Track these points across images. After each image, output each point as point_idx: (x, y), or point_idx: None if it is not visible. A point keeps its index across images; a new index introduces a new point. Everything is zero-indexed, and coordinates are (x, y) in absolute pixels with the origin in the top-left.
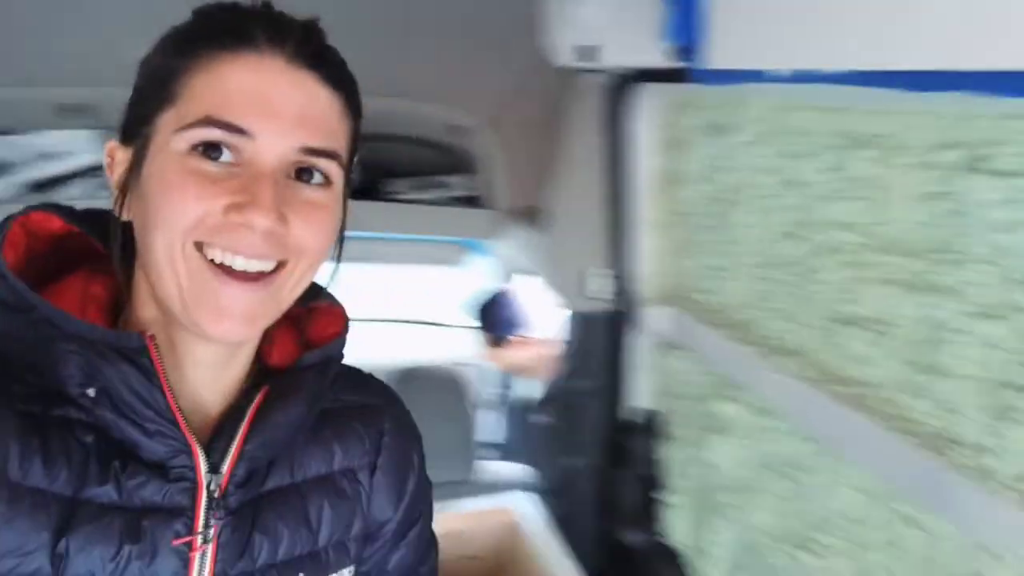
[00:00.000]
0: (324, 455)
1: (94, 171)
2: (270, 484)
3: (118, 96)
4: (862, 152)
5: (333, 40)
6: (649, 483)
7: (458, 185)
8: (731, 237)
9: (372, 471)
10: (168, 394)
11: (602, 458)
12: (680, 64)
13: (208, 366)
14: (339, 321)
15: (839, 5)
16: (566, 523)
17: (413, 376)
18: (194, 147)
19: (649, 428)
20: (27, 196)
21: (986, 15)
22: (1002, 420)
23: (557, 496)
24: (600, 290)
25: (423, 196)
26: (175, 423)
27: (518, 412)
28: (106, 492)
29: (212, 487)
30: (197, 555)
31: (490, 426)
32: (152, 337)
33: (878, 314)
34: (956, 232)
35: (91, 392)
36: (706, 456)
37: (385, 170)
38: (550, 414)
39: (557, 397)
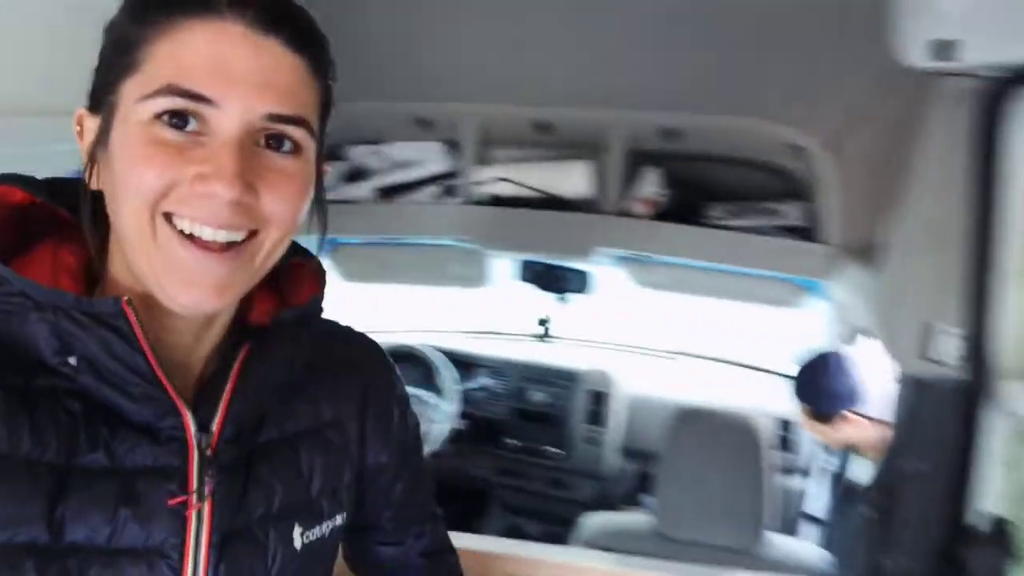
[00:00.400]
0: (312, 409)
1: (439, 179)
2: (260, 439)
3: (467, 111)
4: None
5: (646, 54)
6: None
7: (788, 214)
8: None
9: (361, 421)
10: (150, 357)
11: (931, 567)
12: None
13: (186, 331)
14: (316, 278)
15: None
16: None
17: (700, 417)
18: (158, 116)
19: (999, 541)
20: (379, 199)
21: None
22: None
23: None
24: (947, 352)
25: (747, 223)
26: (160, 386)
27: (838, 492)
28: (97, 458)
29: (203, 446)
30: (193, 513)
31: (813, 498)
32: (129, 301)
33: None
34: None
35: (72, 360)
36: None
37: (707, 193)
38: (872, 502)
39: (881, 482)
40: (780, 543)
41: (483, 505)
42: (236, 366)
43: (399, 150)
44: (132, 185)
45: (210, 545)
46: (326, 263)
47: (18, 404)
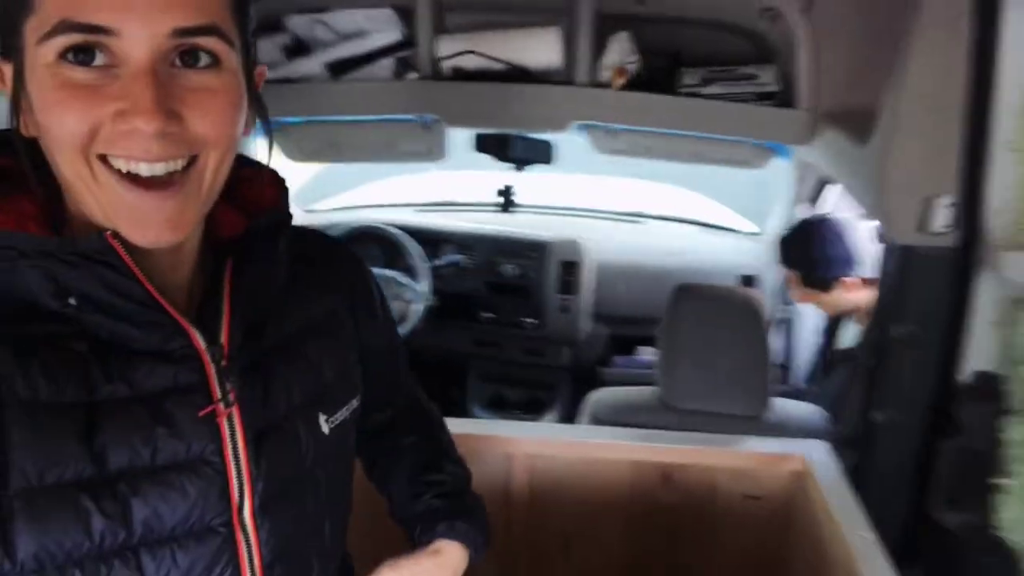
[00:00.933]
0: (305, 307)
1: (393, 50)
2: (267, 342)
3: None
4: None
5: None
6: (981, 460)
7: (763, 79)
8: None
9: (352, 312)
10: (146, 284)
11: (923, 420)
12: None
13: (161, 254)
14: (274, 183)
15: None
16: (861, 482)
17: (700, 292)
18: (61, 55)
19: (989, 395)
20: (328, 77)
21: None
22: None
23: (855, 451)
24: (942, 222)
25: (724, 91)
26: (161, 309)
27: (827, 356)
28: (118, 389)
29: (216, 358)
30: (224, 420)
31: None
32: (114, 234)
33: None
34: None
35: (72, 301)
36: None
37: (679, 59)
38: (864, 362)
39: (874, 341)
40: (782, 406)
41: (463, 377)
42: (226, 279)
43: (346, 19)
44: (55, 134)
45: (246, 444)
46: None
47: (25, 353)
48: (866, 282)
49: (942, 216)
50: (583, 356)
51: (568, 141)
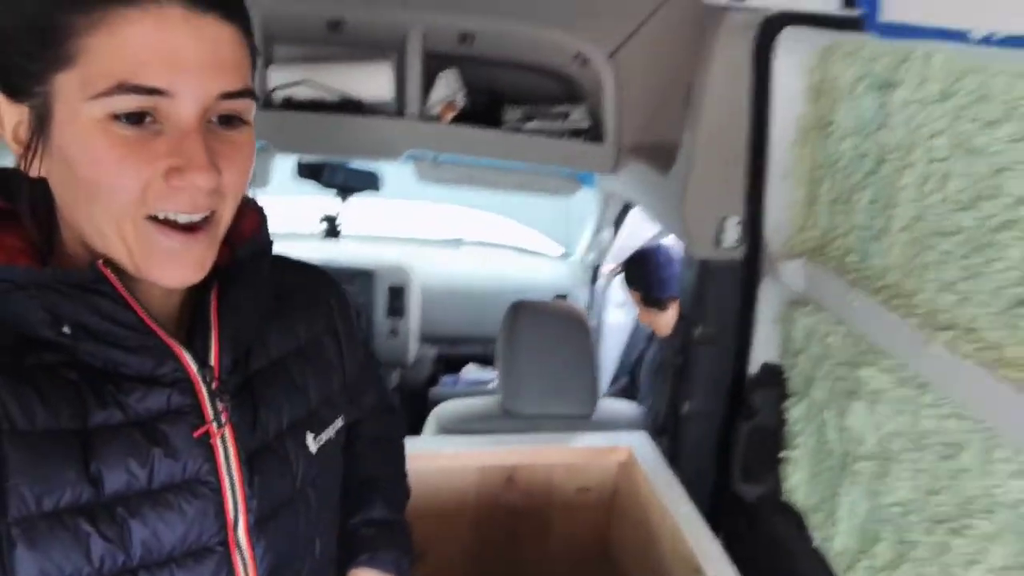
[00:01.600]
0: (290, 331)
1: None
2: (254, 366)
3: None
4: None
5: None
6: (770, 438)
7: (576, 116)
8: (889, 198)
9: (334, 334)
10: (138, 310)
11: (722, 407)
12: (850, 12)
13: (153, 284)
14: (254, 215)
15: None
16: (673, 465)
17: (534, 308)
18: (113, 116)
19: (773, 382)
20: None
21: None
22: None
23: (668, 440)
24: (732, 239)
25: (542, 126)
26: (152, 334)
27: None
28: (112, 414)
29: (207, 379)
30: (218, 440)
31: None
32: (105, 262)
33: None
34: None
35: (67, 329)
36: (840, 421)
37: (503, 97)
38: (671, 361)
39: (680, 343)
40: (608, 405)
41: None
42: (213, 303)
43: None
44: (105, 189)
45: (239, 463)
46: None
47: (20, 381)
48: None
49: (732, 234)
50: (411, 377)
51: (392, 169)
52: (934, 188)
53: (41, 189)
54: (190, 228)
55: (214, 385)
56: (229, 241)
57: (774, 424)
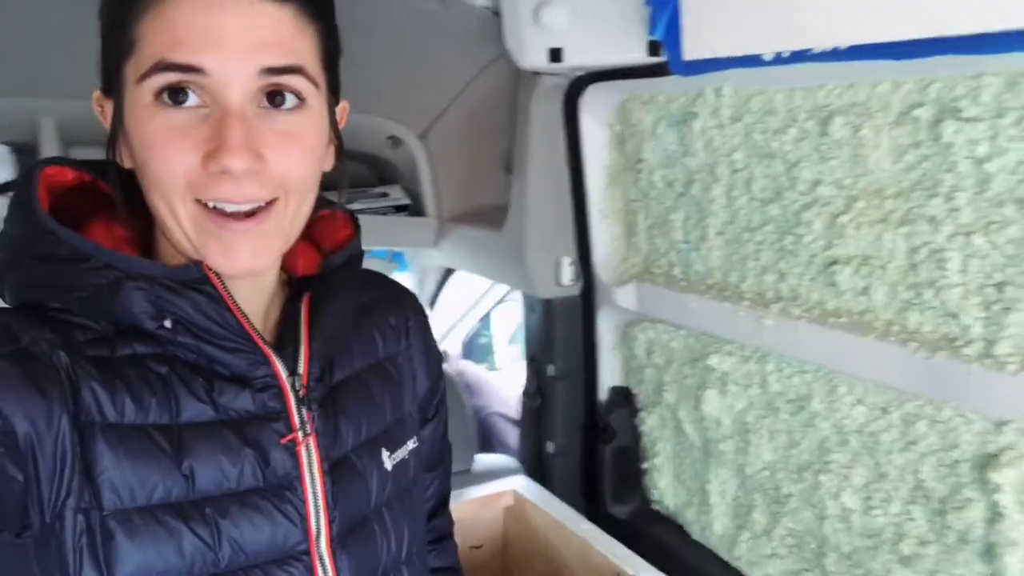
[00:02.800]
0: (370, 345)
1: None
2: (337, 377)
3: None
4: (839, 119)
5: None
6: (630, 455)
7: (394, 195)
8: (703, 212)
9: (409, 354)
10: (237, 314)
11: (582, 438)
12: (653, 59)
13: (244, 286)
14: (349, 224)
15: None
16: None
17: None
18: (157, 95)
19: (624, 402)
20: None
21: None
22: (998, 311)
23: (541, 481)
24: (569, 277)
25: (366, 206)
26: (249, 338)
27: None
28: (203, 410)
29: (296, 387)
30: (303, 448)
31: None
32: (207, 266)
33: (870, 251)
34: (936, 171)
35: (168, 323)
36: (696, 413)
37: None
38: (528, 406)
39: (534, 386)
40: (484, 459)
41: None
42: (304, 312)
43: None
44: (154, 176)
45: (323, 473)
46: None
47: (111, 373)
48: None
49: (568, 272)
50: None
51: None
52: (740, 193)
53: (134, 185)
54: (242, 217)
55: (302, 393)
56: (320, 247)
57: (631, 441)
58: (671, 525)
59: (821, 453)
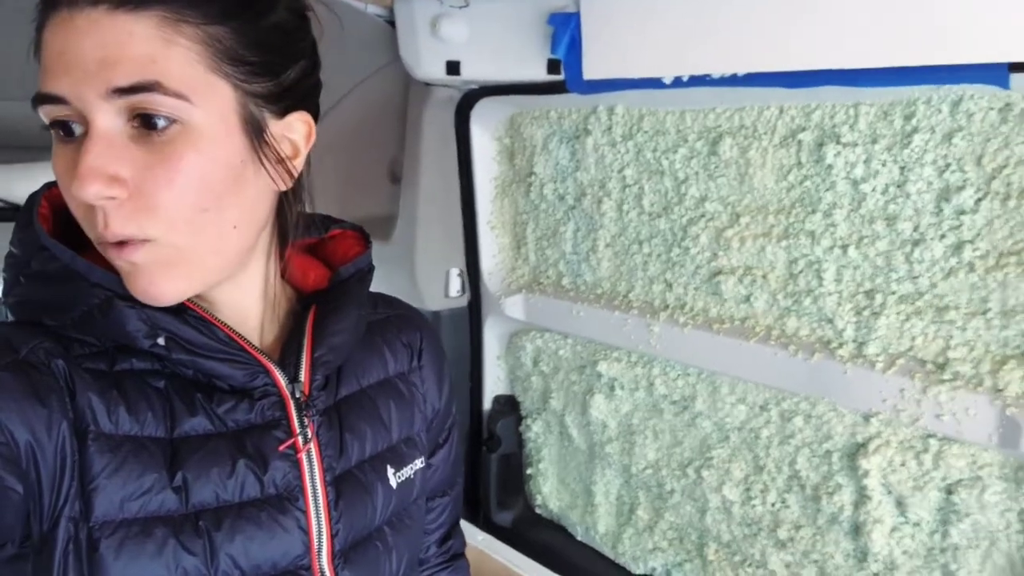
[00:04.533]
0: (379, 362)
1: None
2: (343, 392)
3: None
4: (726, 140)
5: None
6: (514, 461)
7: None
8: (593, 224)
9: (420, 374)
10: (224, 328)
11: (468, 446)
12: (551, 77)
13: (224, 303)
14: (360, 241)
15: (706, 21)
16: None
17: None
18: (53, 129)
19: (509, 410)
20: None
21: (834, 26)
22: (868, 316)
23: None
24: (457, 288)
25: None
26: (243, 349)
27: None
28: (200, 423)
29: (297, 395)
30: (304, 456)
31: None
32: None
33: (753, 262)
34: (817, 190)
35: (161, 341)
36: (582, 418)
37: None
38: None
39: None
40: None
41: None
42: (309, 322)
43: None
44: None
45: (325, 484)
46: None
47: (109, 385)
48: None
49: (456, 284)
50: None
51: None
52: (631, 207)
53: None
54: (122, 245)
55: (302, 400)
56: (331, 264)
57: (515, 448)
58: (555, 528)
59: (703, 450)
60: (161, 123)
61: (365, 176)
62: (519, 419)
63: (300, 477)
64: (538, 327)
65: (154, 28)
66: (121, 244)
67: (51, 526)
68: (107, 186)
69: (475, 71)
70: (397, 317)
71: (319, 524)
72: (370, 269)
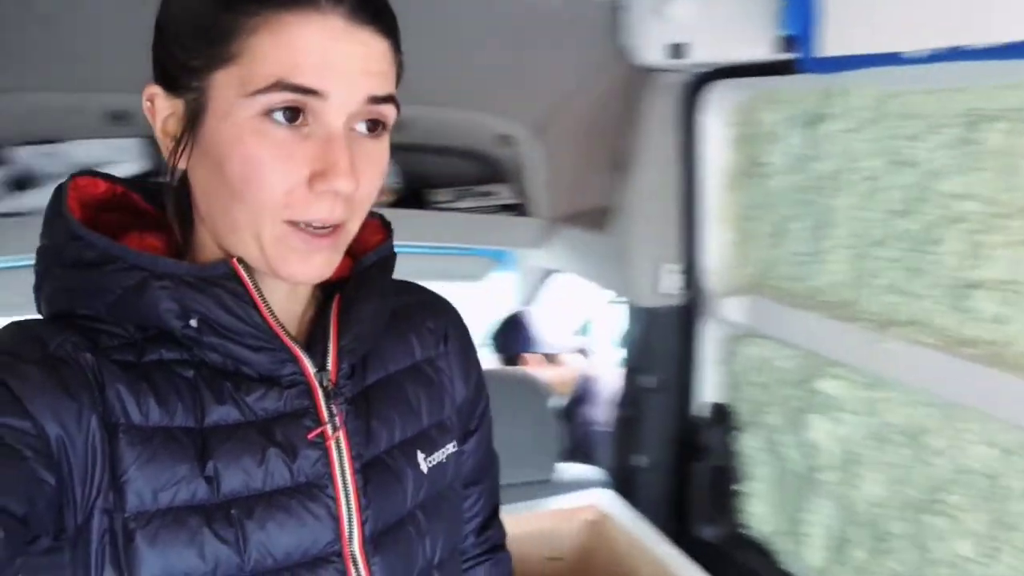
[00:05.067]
0: (406, 348)
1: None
2: (370, 378)
3: None
4: (990, 125)
5: None
6: (725, 475)
7: (503, 194)
8: (826, 222)
9: (447, 359)
10: (263, 310)
11: (674, 453)
12: (785, 55)
13: (279, 287)
14: (382, 228)
15: None
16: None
17: (492, 377)
18: (267, 112)
19: (722, 420)
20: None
21: None
22: None
23: (627, 495)
24: (672, 285)
25: (473, 205)
26: (275, 336)
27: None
28: (228, 412)
29: (325, 383)
30: (332, 443)
31: None
32: (239, 260)
33: (1015, 275)
34: None
35: (193, 323)
36: (799, 438)
37: (426, 182)
38: (619, 415)
39: (627, 395)
40: (568, 469)
41: None
42: (334, 310)
43: (83, 149)
44: (251, 190)
45: (354, 471)
46: None
47: (137, 376)
48: (549, 359)
49: (671, 280)
50: None
51: None
52: (870, 204)
53: (182, 191)
54: (323, 234)
55: (330, 388)
56: (352, 252)
57: (727, 461)
58: (760, 552)
59: (934, 493)
60: (378, 129)
61: (594, 167)
62: (732, 430)
63: (329, 465)
64: (758, 333)
65: (392, 52)
66: (330, 231)
67: (85, 518)
68: (355, 182)
69: (700, 53)
70: (422, 303)
71: (349, 511)
72: (393, 256)
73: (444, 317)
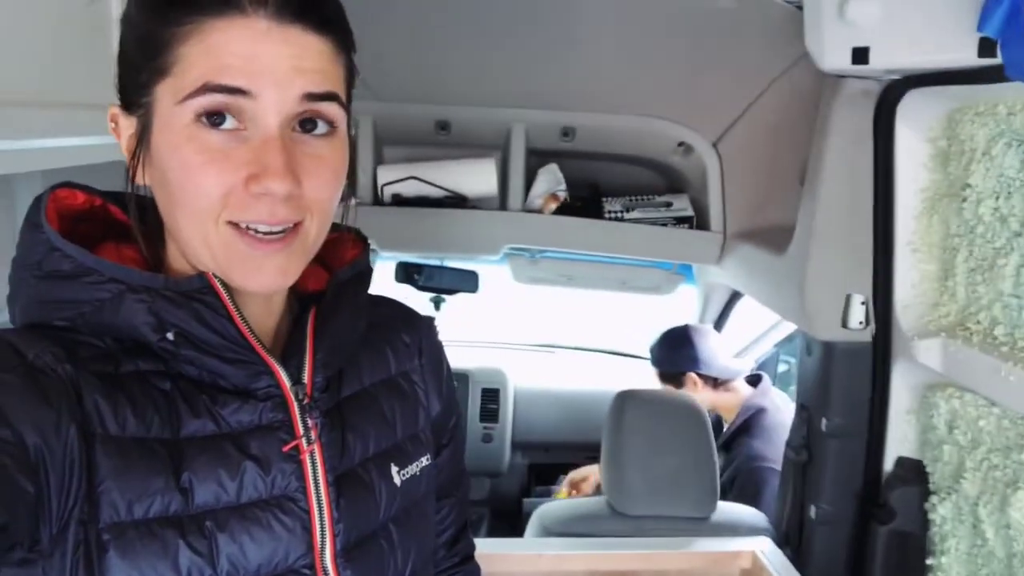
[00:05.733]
0: (381, 361)
1: None
2: (345, 391)
3: (360, 108)
4: None
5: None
6: (911, 543)
7: (679, 205)
8: None
9: (421, 373)
10: (239, 323)
11: (853, 509)
12: (992, 60)
13: (254, 301)
14: (358, 244)
15: None
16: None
17: (642, 398)
18: (198, 117)
19: (914, 479)
20: None
21: None
22: None
23: (793, 546)
24: (857, 318)
25: (645, 215)
26: (250, 348)
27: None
28: (203, 425)
29: (300, 396)
30: (307, 456)
31: None
32: (214, 275)
33: None
34: None
35: (170, 335)
36: (1000, 517)
37: (600, 190)
38: (793, 458)
39: (803, 437)
40: (728, 509)
41: None
42: (310, 324)
43: None
44: (189, 196)
45: (328, 484)
46: None
47: (115, 387)
48: (707, 381)
49: (858, 313)
50: (503, 487)
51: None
52: None
53: (151, 205)
54: (272, 239)
55: (306, 401)
56: (329, 267)
57: (916, 528)
58: None
59: None
60: (322, 128)
61: (777, 181)
62: (925, 493)
63: (303, 478)
64: (958, 384)
65: (330, 49)
66: (278, 236)
67: (60, 529)
68: (294, 183)
69: (886, 58)
70: (397, 317)
71: (322, 524)
72: (369, 270)
73: (419, 331)
